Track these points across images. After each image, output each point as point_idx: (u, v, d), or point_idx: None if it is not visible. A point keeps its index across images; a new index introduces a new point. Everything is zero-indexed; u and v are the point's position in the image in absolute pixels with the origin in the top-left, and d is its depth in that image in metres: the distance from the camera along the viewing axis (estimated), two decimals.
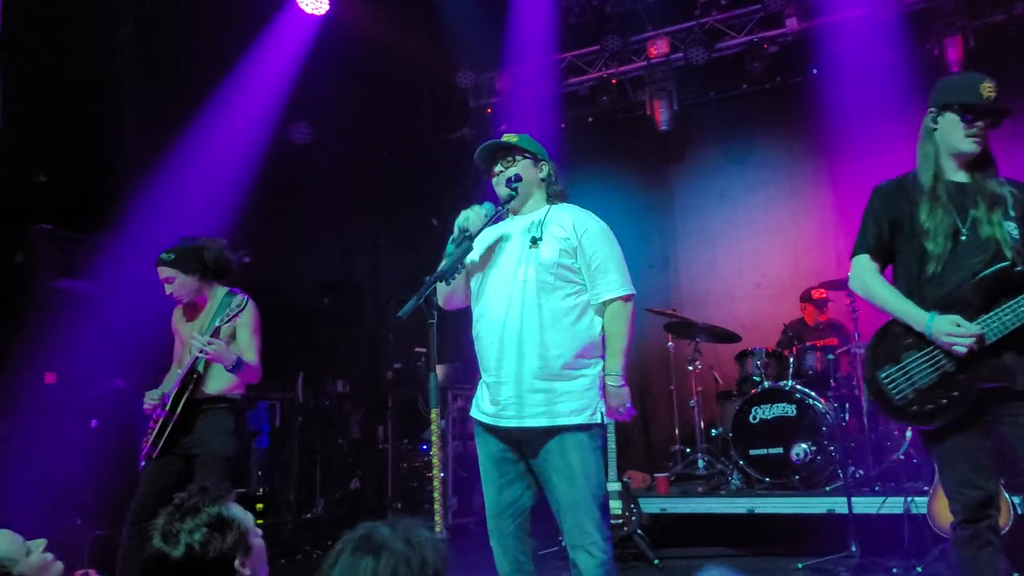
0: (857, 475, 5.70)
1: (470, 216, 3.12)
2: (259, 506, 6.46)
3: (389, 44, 7.99)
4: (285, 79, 7.51)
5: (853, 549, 4.91)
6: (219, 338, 4.03)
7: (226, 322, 4.01)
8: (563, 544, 5.17)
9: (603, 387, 3.08)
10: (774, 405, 5.91)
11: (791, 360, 6.17)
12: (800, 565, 4.95)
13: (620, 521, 5.42)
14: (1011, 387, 2.71)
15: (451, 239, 3.11)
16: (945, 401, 2.73)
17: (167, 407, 4.06)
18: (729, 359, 6.92)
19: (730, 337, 6.75)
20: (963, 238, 2.83)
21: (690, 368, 6.71)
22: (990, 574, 2.70)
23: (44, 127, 5.66)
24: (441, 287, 3.15)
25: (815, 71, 8.03)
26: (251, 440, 6.46)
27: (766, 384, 6.09)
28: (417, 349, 7.84)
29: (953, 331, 2.70)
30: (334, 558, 1.63)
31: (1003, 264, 2.76)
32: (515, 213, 3.30)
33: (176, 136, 6.55)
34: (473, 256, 3.21)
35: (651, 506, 5.87)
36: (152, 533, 2.02)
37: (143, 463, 4.19)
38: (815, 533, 5.42)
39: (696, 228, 8.68)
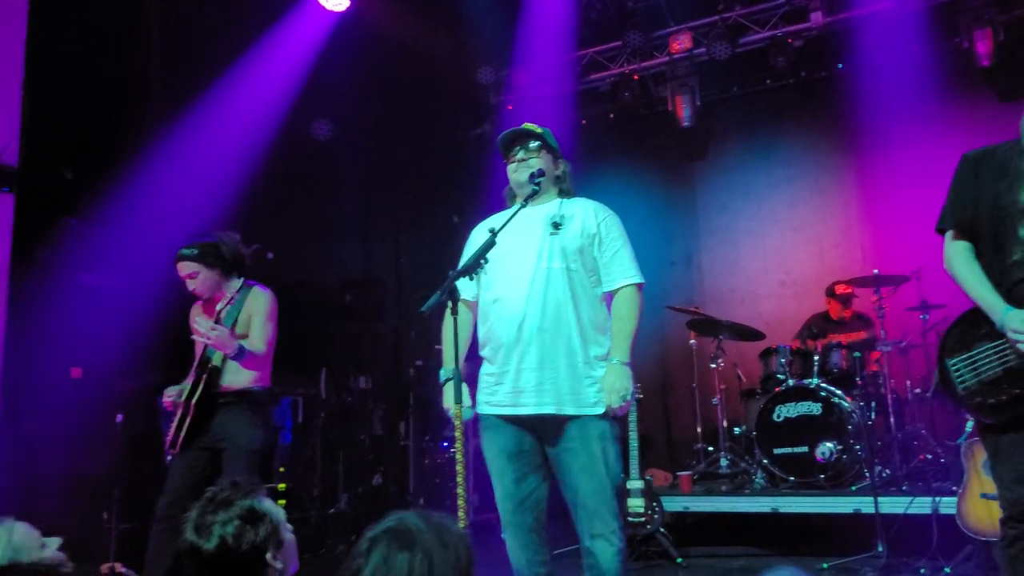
0: (884, 474, 5.64)
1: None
2: (282, 501, 6.48)
3: (409, 41, 7.99)
4: (305, 74, 7.51)
5: (880, 549, 4.86)
6: (237, 326, 4.04)
7: (229, 305, 4.02)
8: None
9: None
10: (799, 403, 5.85)
11: (816, 358, 6.11)
12: (825, 565, 4.90)
13: (643, 519, 5.39)
14: None
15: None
16: (1005, 397, 2.65)
17: (183, 395, 4.08)
18: (753, 357, 6.87)
19: (754, 335, 6.70)
20: None
21: (713, 366, 6.66)
22: None
23: (71, 124, 5.70)
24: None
25: (840, 66, 7.95)
26: (276, 436, 6.49)
27: (790, 382, 6.03)
28: (438, 346, 7.82)
29: (1019, 327, 2.59)
30: (366, 550, 1.61)
31: None
32: (523, 205, 3.28)
33: (195, 131, 6.57)
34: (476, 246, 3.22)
35: (674, 504, 5.84)
36: (184, 526, 2.03)
37: (168, 458, 4.21)
38: (841, 533, 5.37)
39: (719, 225, 8.62)
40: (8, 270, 5.20)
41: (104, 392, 5.40)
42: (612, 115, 9.09)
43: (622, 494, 3.16)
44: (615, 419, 3.09)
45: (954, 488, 4.77)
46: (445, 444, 7.59)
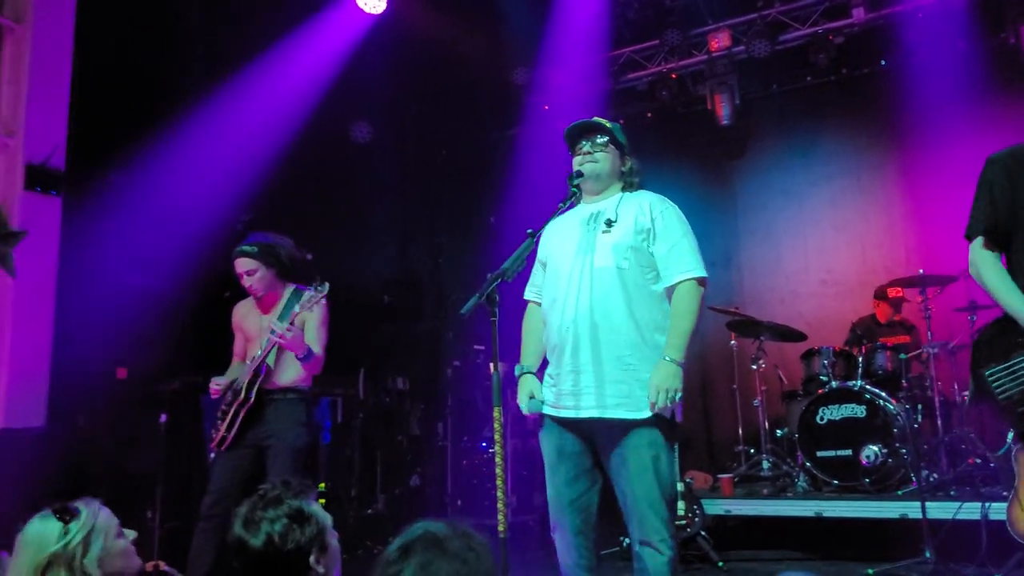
0: (931, 479, 5.52)
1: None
2: (322, 500, 6.53)
3: (444, 43, 8.00)
4: (343, 76, 7.56)
5: (927, 555, 4.76)
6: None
7: (308, 308, 4.06)
8: (625, 544, 5.16)
9: None
10: (842, 405, 5.75)
11: (860, 359, 6.01)
12: (871, 571, 4.80)
13: (683, 522, 5.34)
14: None
15: None
16: None
17: (239, 395, 4.12)
18: (794, 358, 6.78)
19: (795, 336, 6.61)
20: None
21: (754, 367, 6.58)
22: None
23: (117, 129, 5.80)
24: None
25: (883, 62, 7.82)
26: (319, 435, 6.54)
27: (834, 384, 5.93)
28: (476, 346, 7.84)
29: None
30: (398, 558, 1.61)
31: None
32: (590, 197, 3.28)
33: (237, 134, 6.65)
34: (546, 247, 3.20)
35: (715, 507, 5.77)
36: (234, 519, 2.06)
37: (212, 455, 4.26)
38: (886, 538, 5.27)
39: (759, 225, 8.52)
40: (56, 271, 5.31)
41: (148, 392, 5.48)
42: (650, 114, 9.03)
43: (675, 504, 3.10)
44: (671, 425, 3.02)
45: (1004, 493, 4.65)
46: (483, 445, 7.59)
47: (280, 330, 3.98)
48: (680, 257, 3.09)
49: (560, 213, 3.21)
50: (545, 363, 3.25)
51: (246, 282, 4.27)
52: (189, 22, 6.51)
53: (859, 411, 5.69)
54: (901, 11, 7.47)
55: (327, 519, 2.14)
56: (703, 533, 5.41)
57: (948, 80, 7.03)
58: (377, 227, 8.56)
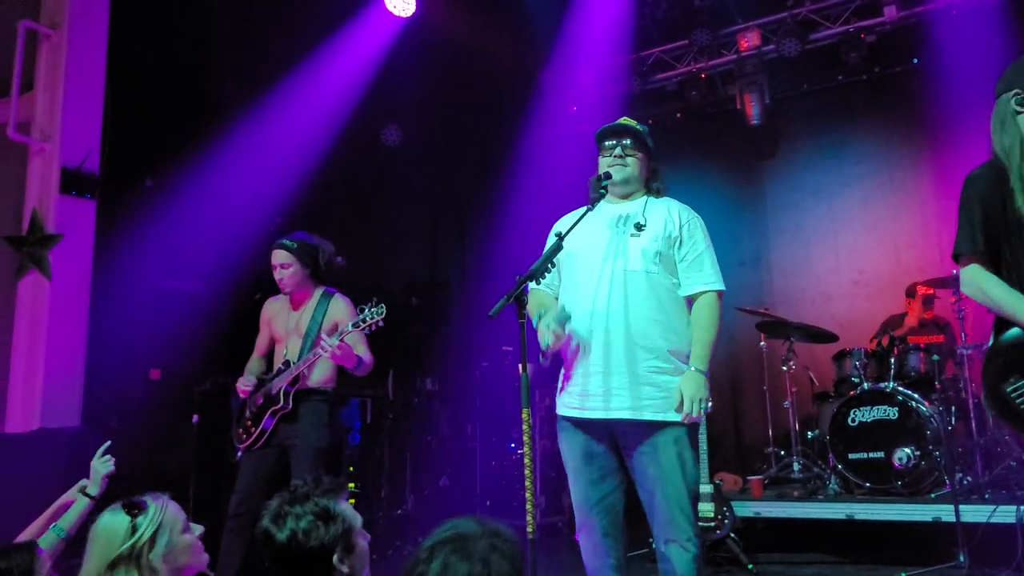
0: (965, 481, 5.45)
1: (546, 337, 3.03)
2: (352, 501, 6.58)
3: (473, 45, 8.02)
4: (373, 79, 7.61)
5: (961, 559, 4.70)
6: (322, 331, 4.15)
7: (364, 332, 4.06)
8: (652, 546, 5.13)
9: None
10: (874, 407, 5.68)
11: (892, 361, 5.93)
12: (904, 575, 4.75)
13: (713, 524, 5.31)
14: None
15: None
16: None
17: (271, 398, 4.17)
18: (825, 359, 6.72)
19: (826, 337, 6.54)
20: None
21: (784, 368, 6.52)
22: None
23: (150, 133, 5.89)
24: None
25: (916, 60, 7.73)
26: (345, 436, 6.58)
27: (865, 385, 5.86)
28: (504, 348, 7.86)
29: None
30: (426, 558, 1.63)
31: None
32: (614, 199, 3.27)
33: (269, 138, 6.72)
34: (570, 246, 3.19)
35: (744, 510, 5.73)
36: (264, 513, 2.09)
37: (239, 455, 4.31)
38: (919, 542, 5.21)
39: (789, 225, 8.45)
40: (91, 274, 5.39)
41: (181, 393, 5.55)
42: (679, 114, 9.00)
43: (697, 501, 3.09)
44: (693, 424, 3.04)
45: None
46: (512, 446, 7.61)
47: (331, 347, 3.99)
48: (700, 269, 3.13)
49: (582, 215, 3.20)
50: (553, 366, 3.24)
51: (278, 275, 4.33)
52: (224, 28, 6.59)
53: (891, 413, 5.62)
54: (933, 8, 7.38)
55: (356, 519, 2.16)
56: (733, 535, 5.38)
57: (982, 78, 6.85)
58: (405, 229, 8.61)
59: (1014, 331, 2.67)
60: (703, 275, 3.12)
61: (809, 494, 5.93)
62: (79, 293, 5.34)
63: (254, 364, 4.48)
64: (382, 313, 3.96)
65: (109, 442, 3.13)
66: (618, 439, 3.07)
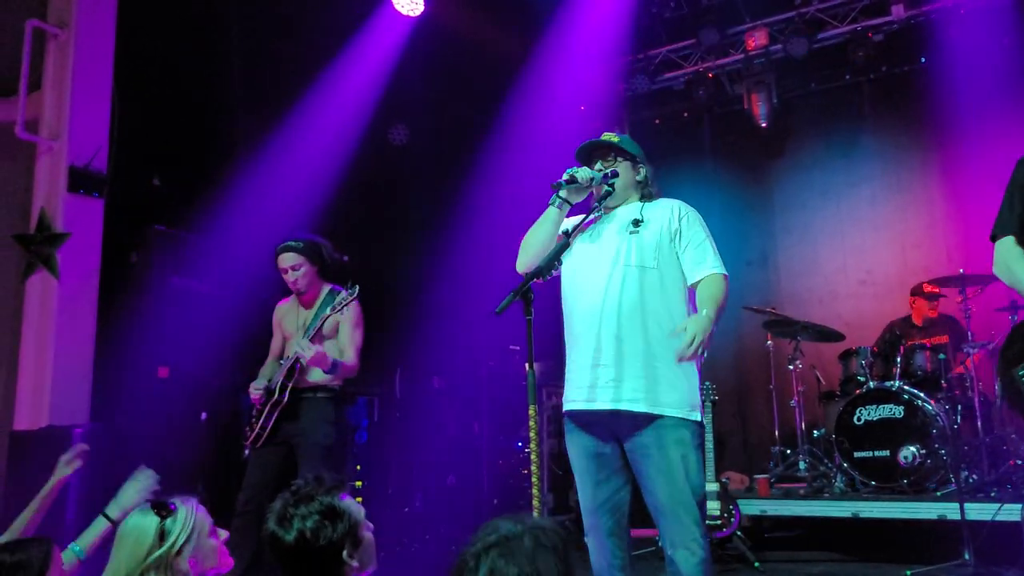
0: (971, 480, 5.44)
1: (579, 171, 3.15)
2: (359, 499, 6.59)
3: (482, 43, 8.03)
4: (383, 80, 7.63)
5: (967, 557, 4.70)
6: (323, 330, 4.16)
7: (338, 311, 4.12)
8: (659, 544, 5.13)
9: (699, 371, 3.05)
10: (880, 406, 5.68)
11: (898, 360, 5.93)
12: (909, 573, 4.75)
13: (719, 522, 5.32)
14: None
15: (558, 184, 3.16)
16: None
17: (272, 394, 4.20)
18: (831, 358, 6.71)
19: (833, 336, 6.55)
20: None
21: (790, 367, 6.53)
22: None
23: (157, 132, 5.91)
24: (531, 246, 3.21)
25: (924, 60, 7.72)
26: (352, 434, 6.60)
27: (871, 384, 5.86)
28: (511, 346, 7.86)
29: None
30: (473, 567, 1.61)
31: None
32: (608, 211, 3.30)
33: (278, 138, 6.74)
34: (570, 248, 3.22)
35: (751, 508, 5.74)
36: (268, 515, 2.10)
37: (247, 452, 4.34)
38: (925, 540, 5.21)
39: (797, 224, 8.45)
40: (99, 273, 5.42)
41: (189, 391, 5.57)
42: (686, 114, 9.00)
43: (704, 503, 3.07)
44: (698, 425, 3.03)
45: None
46: (519, 444, 7.62)
47: (301, 351, 4.05)
48: (705, 256, 3.12)
49: (583, 223, 3.24)
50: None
51: (290, 277, 4.33)
52: (231, 25, 6.61)
53: (897, 411, 5.62)
54: (941, 7, 7.36)
55: (360, 513, 2.17)
56: (739, 533, 5.39)
57: (990, 78, 6.91)
58: (414, 227, 8.61)
59: None
60: (708, 261, 3.11)
61: (815, 492, 5.94)
62: (87, 290, 5.36)
63: (268, 367, 4.51)
64: (355, 292, 4.09)
65: (83, 445, 3.20)
66: (622, 439, 3.07)
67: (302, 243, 4.33)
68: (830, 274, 8.18)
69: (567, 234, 3.16)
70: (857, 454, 5.69)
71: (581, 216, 3.30)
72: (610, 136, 3.32)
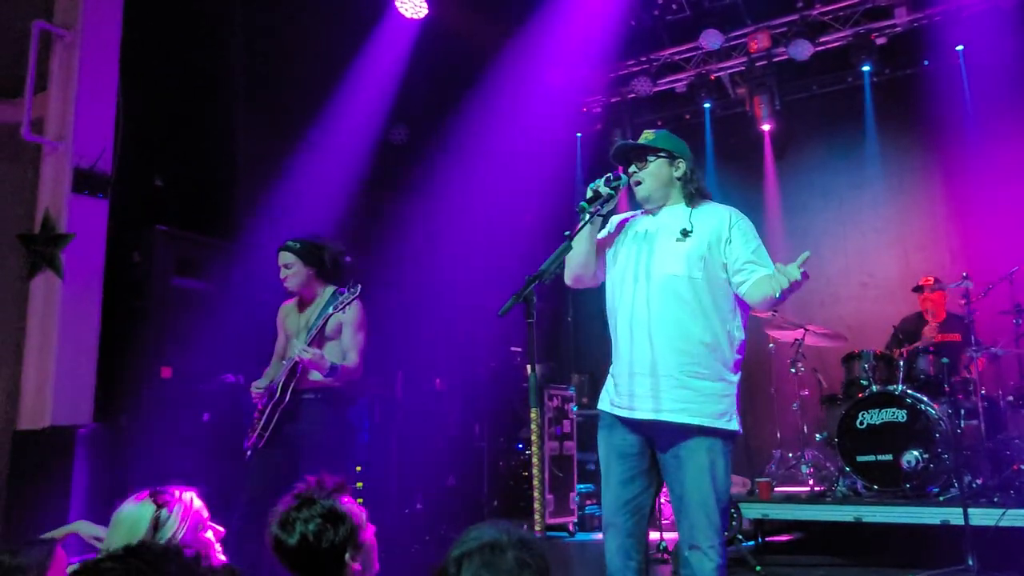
0: (974, 484, 5.43)
1: (599, 183, 3.17)
2: (360, 499, 6.59)
3: (487, 46, 8.03)
4: (389, 83, 7.64)
5: (970, 563, 4.68)
6: (326, 330, 4.17)
7: (339, 310, 4.14)
8: (661, 548, 5.14)
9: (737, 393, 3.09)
10: (883, 410, 5.68)
11: (901, 363, 5.92)
12: None
13: None
14: None
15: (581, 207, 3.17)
16: None
17: (274, 395, 4.20)
18: (834, 362, 6.71)
19: (835, 339, 6.54)
20: None
21: (792, 371, 6.52)
22: None
23: (161, 133, 5.91)
24: (572, 261, 3.23)
25: (927, 62, 7.72)
26: (352, 434, 6.60)
27: (874, 388, 5.86)
28: (513, 348, 7.86)
29: None
30: (455, 572, 1.60)
31: None
32: (651, 213, 3.30)
33: (286, 140, 6.75)
34: (613, 251, 3.25)
35: (752, 511, 5.73)
36: (271, 519, 2.10)
37: (249, 453, 4.34)
38: (928, 545, 5.20)
39: (799, 227, 8.45)
40: (103, 273, 5.42)
41: (192, 391, 5.58)
42: (688, 116, 9.01)
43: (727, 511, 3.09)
44: (730, 435, 3.05)
45: None
46: (520, 446, 7.62)
47: (299, 353, 4.07)
48: (762, 260, 3.10)
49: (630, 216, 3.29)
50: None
51: (282, 275, 4.39)
52: (237, 25, 6.61)
53: (900, 415, 5.61)
54: (944, 10, 7.36)
55: (361, 516, 2.18)
56: (740, 537, 5.38)
57: (993, 80, 6.92)
58: (416, 228, 8.62)
59: None
60: (765, 262, 3.09)
61: (817, 496, 5.93)
62: (91, 291, 5.37)
63: (273, 368, 4.51)
64: (357, 291, 4.12)
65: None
66: (655, 442, 3.09)
67: (298, 243, 4.37)
68: (832, 277, 8.18)
69: (567, 236, 3.13)
70: (859, 458, 5.68)
71: (622, 215, 3.37)
72: (646, 135, 3.30)
